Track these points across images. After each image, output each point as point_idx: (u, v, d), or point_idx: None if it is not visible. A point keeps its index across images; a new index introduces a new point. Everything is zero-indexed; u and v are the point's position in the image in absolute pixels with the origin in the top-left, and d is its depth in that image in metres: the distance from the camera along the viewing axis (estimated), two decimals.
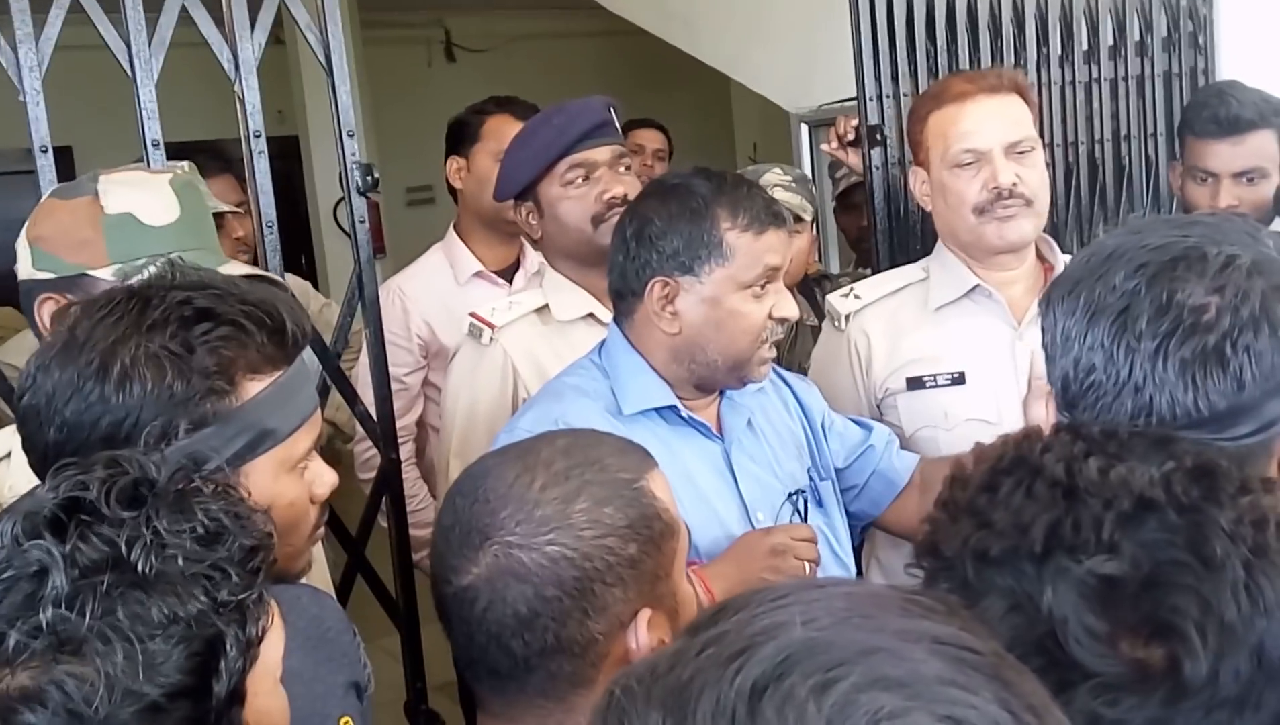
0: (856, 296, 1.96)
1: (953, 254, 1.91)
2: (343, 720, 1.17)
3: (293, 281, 2.44)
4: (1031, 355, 1.09)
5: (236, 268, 1.39)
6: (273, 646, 0.90)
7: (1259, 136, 2.32)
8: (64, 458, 0.89)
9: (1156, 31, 2.70)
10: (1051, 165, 2.37)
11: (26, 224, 1.40)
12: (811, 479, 1.68)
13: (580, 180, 1.90)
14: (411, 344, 2.44)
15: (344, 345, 1.91)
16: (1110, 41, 2.63)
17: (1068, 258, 1.78)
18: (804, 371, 2.01)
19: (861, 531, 1.87)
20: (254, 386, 1.06)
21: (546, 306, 1.92)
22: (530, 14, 7.77)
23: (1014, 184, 1.79)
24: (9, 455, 1.33)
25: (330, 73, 1.81)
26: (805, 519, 1.63)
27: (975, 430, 1.66)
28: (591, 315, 1.90)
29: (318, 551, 1.37)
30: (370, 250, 1.87)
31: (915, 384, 1.88)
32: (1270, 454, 0.97)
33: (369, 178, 1.84)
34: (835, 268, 3.56)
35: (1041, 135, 1.89)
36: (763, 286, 1.54)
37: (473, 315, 1.92)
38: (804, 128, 3.68)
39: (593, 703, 0.57)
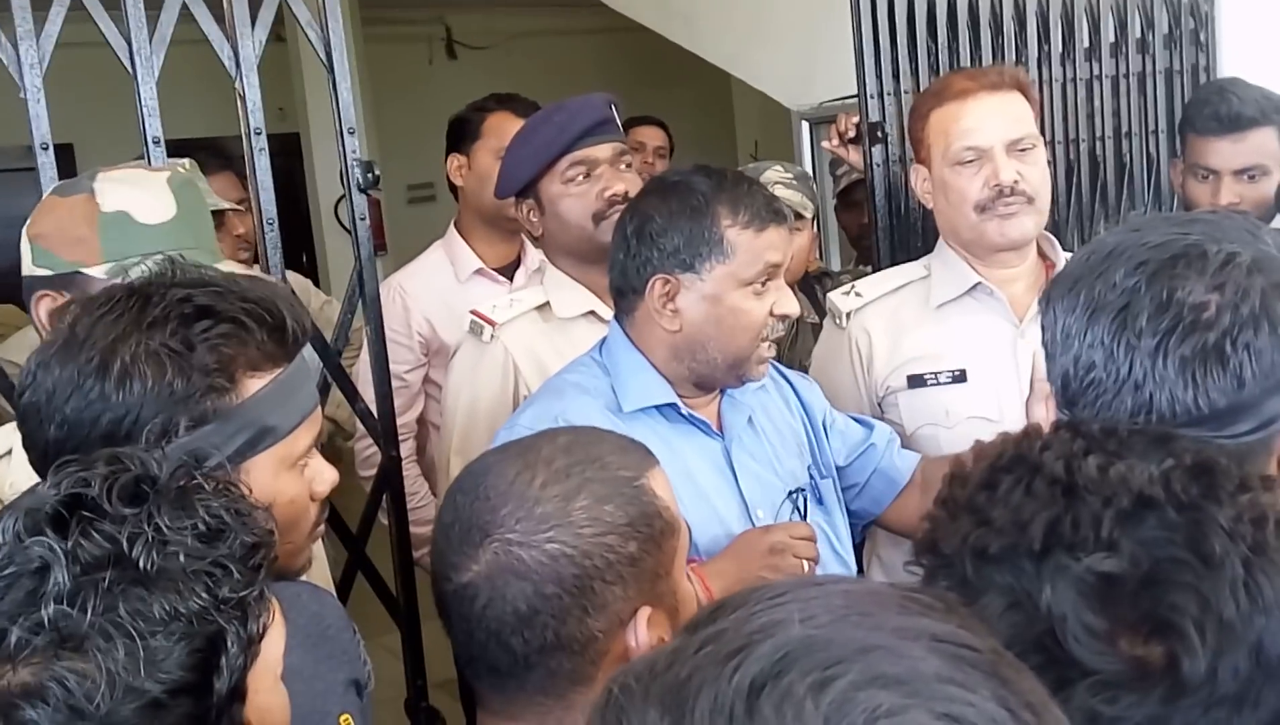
0: (858, 294, 1.96)
1: (954, 251, 1.91)
2: (343, 718, 1.17)
3: (293, 279, 2.44)
4: (1034, 356, 1.10)
5: (232, 268, 1.38)
6: (274, 644, 0.90)
7: (1260, 134, 2.31)
8: (64, 455, 0.89)
9: (1158, 28, 2.70)
10: (1053, 162, 2.37)
11: (28, 221, 1.40)
12: (812, 477, 1.68)
13: (581, 177, 1.90)
14: (412, 341, 2.44)
15: (345, 342, 1.91)
16: (1112, 38, 2.63)
17: (1069, 255, 1.78)
18: (805, 369, 2.01)
19: (863, 530, 1.87)
20: (254, 384, 1.06)
21: (547, 304, 1.92)
22: (531, 11, 7.77)
23: (1015, 181, 1.79)
24: (9, 452, 1.33)
25: (331, 70, 1.81)
26: (805, 517, 1.63)
27: (976, 428, 1.66)
28: (592, 312, 1.90)
29: (318, 549, 1.37)
30: (371, 247, 1.87)
31: (916, 382, 1.88)
32: (1270, 452, 0.97)
33: (370, 175, 1.84)
34: (836, 265, 3.56)
35: (1042, 132, 1.89)
36: (763, 284, 1.54)
37: (474, 312, 1.92)
38: (805, 125, 3.67)
39: (592, 700, 0.57)
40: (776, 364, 1.74)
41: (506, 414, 1.74)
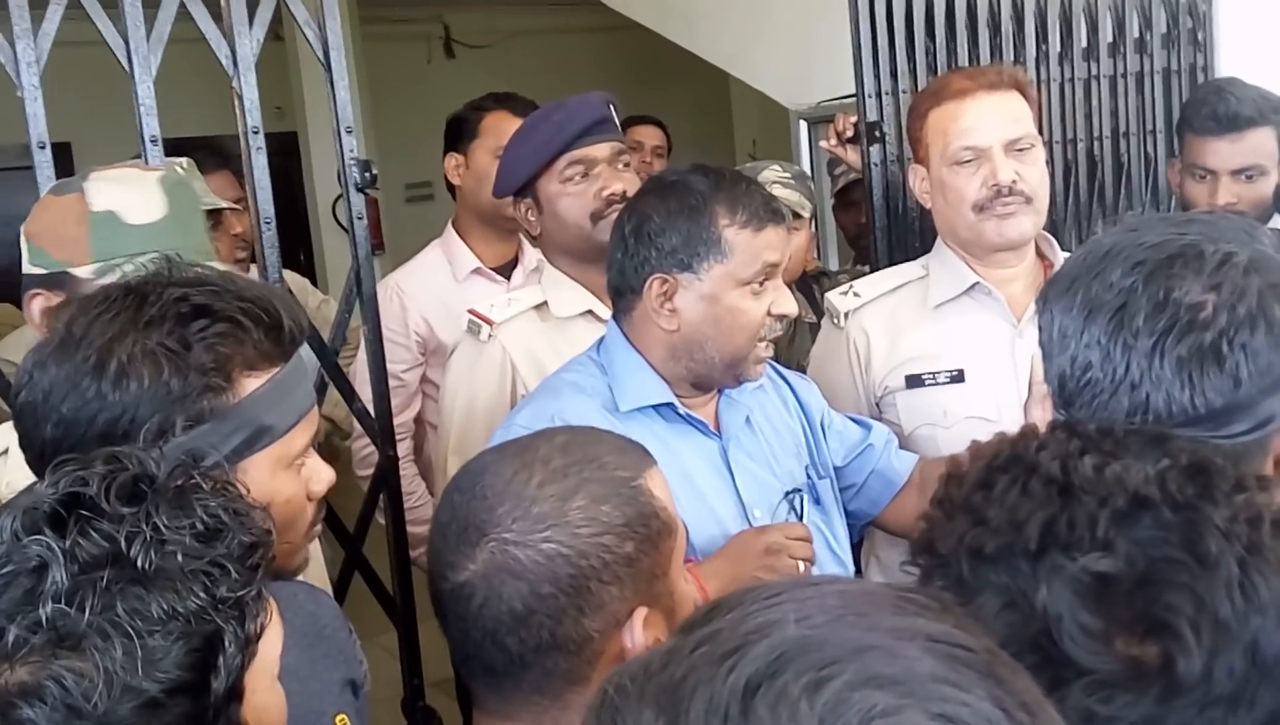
0: (856, 294, 1.96)
1: (952, 251, 1.91)
2: (339, 718, 1.17)
3: (291, 278, 2.44)
4: (1033, 358, 1.10)
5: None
6: (271, 643, 0.90)
7: (1258, 134, 2.31)
8: (61, 454, 0.89)
9: (1156, 28, 2.70)
10: (1050, 162, 2.37)
11: (27, 219, 1.41)
12: (810, 477, 1.68)
13: (579, 177, 1.90)
14: (409, 341, 2.44)
15: (342, 342, 1.91)
16: (1109, 38, 2.63)
17: (1067, 255, 1.78)
18: (802, 369, 2.01)
19: (861, 530, 1.87)
20: (251, 383, 1.06)
21: (545, 303, 1.92)
22: (529, 10, 7.77)
23: (1013, 181, 1.79)
24: (6, 451, 1.33)
25: (329, 69, 1.81)
26: (802, 517, 1.63)
27: (974, 428, 1.66)
28: (590, 312, 1.90)
29: (315, 548, 1.37)
30: (368, 247, 1.87)
31: (914, 382, 1.88)
32: (1266, 452, 0.97)
33: (367, 174, 1.84)
34: (834, 265, 3.56)
35: (1040, 132, 1.89)
36: (761, 283, 1.54)
37: (471, 312, 1.92)
38: (803, 124, 3.68)
39: (588, 700, 0.57)
40: (774, 364, 1.74)
41: (504, 413, 1.74)
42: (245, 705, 0.86)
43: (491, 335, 1.87)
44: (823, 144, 2.54)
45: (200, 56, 1.74)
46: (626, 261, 1.56)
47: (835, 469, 1.74)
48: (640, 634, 0.99)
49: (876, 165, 2.31)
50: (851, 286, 1.99)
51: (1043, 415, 1.07)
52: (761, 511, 1.59)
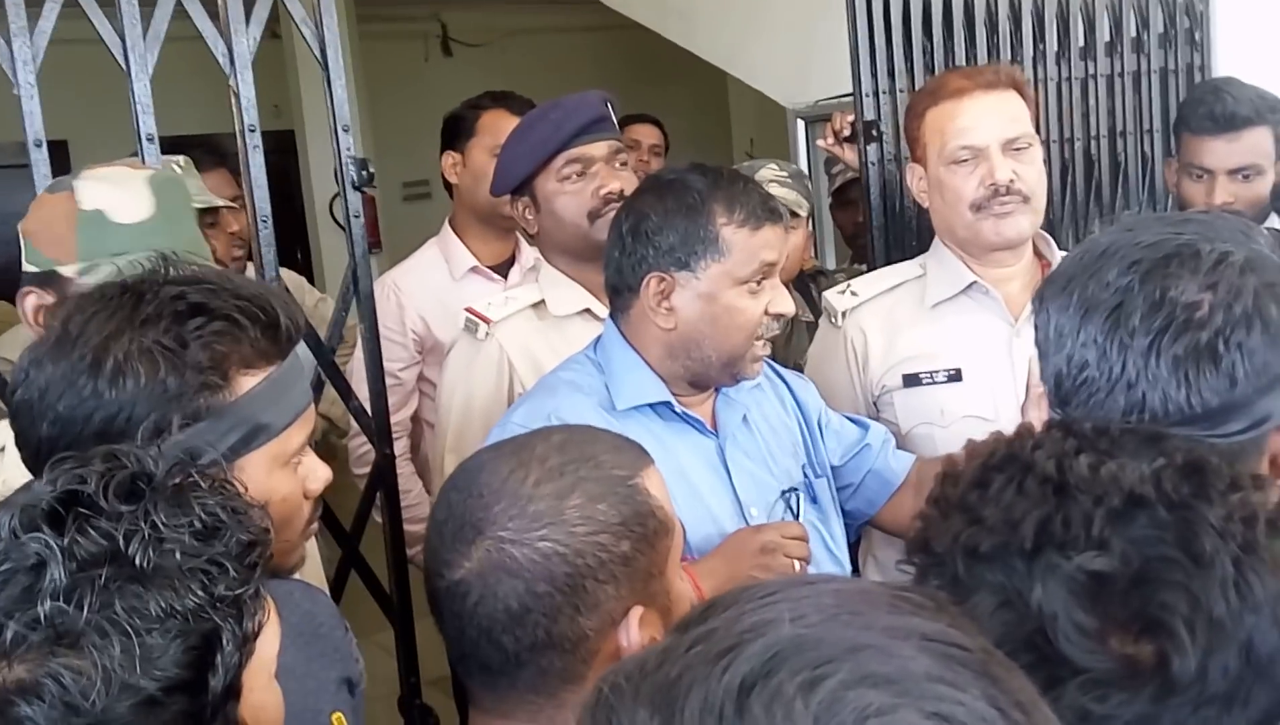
0: (853, 293, 1.96)
1: (949, 250, 1.91)
2: (335, 716, 1.17)
3: (288, 276, 2.44)
4: (1030, 359, 1.10)
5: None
6: (269, 642, 0.90)
7: (1255, 133, 2.32)
8: (57, 453, 0.89)
9: (1153, 28, 2.70)
10: (1048, 162, 2.36)
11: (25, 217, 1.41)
12: (806, 476, 1.68)
13: (576, 175, 1.90)
14: (406, 339, 2.44)
15: (339, 340, 1.91)
16: (1107, 38, 2.63)
17: (1064, 254, 1.78)
18: (799, 368, 2.01)
19: (858, 529, 1.87)
20: (247, 381, 1.06)
21: (542, 302, 1.92)
22: (527, 8, 7.76)
23: (1011, 180, 1.79)
24: (3, 448, 1.33)
25: (326, 67, 1.81)
26: (799, 516, 1.63)
27: (971, 427, 1.66)
28: (588, 310, 1.90)
29: (311, 547, 1.37)
30: (365, 245, 1.87)
31: (912, 381, 1.88)
32: (1261, 451, 0.97)
33: (364, 172, 1.84)
34: (831, 264, 3.56)
35: (1037, 131, 1.90)
36: (759, 282, 1.54)
37: (468, 310, 1.92)
38: (800, 123, 3.68)
39: (583, 699, 0.57)
40: (772, 363, 1.74)
41: (501, 412, 1.74)
42: (243, 703, 0.86)
43: (489, 333, 1.87)
44: (820, 143, 2.54)
45: (197, 54, 1.74)
46: (624, 260, 1.56)
47: (832, 468, 1.74)
48: (636, 633, 0.99)
49: (874, 164, 2.31)
50: (849, 285, 1.99)
51: (1040, 416, 1.07)
52: (758, 510, 1.59)
